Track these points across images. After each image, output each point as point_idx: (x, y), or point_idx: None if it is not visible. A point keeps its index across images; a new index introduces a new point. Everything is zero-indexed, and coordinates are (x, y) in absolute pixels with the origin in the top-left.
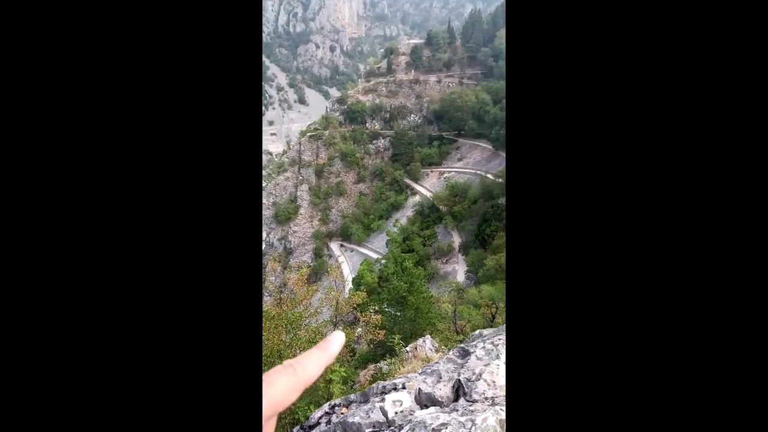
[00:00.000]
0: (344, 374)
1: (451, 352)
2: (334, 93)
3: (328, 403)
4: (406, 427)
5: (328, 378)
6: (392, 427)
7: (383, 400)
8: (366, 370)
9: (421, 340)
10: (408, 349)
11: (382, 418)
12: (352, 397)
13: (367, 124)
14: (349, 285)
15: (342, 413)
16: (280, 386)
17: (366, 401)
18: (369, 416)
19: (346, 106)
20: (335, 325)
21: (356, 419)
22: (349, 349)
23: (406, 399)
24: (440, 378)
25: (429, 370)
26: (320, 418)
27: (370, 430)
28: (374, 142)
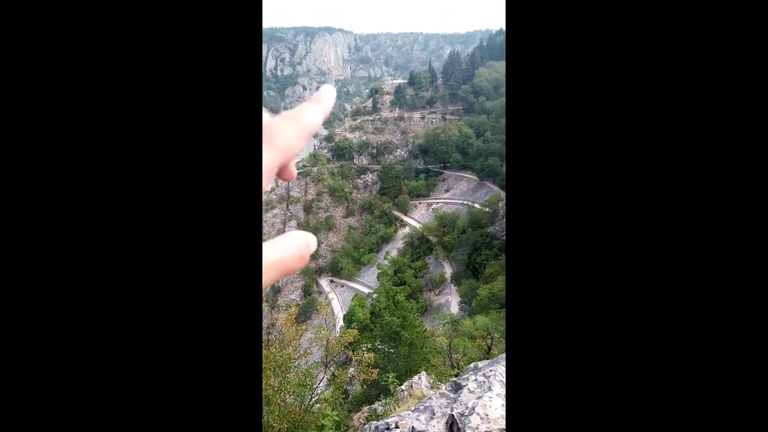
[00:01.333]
0: (337, 418)
1: (444, 387)
2: (322, 131)
3: None
4: None
5: (320, 424)
6: None
7: None
8: (360, 413)
9: (416, 377)
10: (403, 387)
11: None
12: None
13: (355, 160)
14: (340, 322)
15: None
16: (287, 133)
17: None
18: None
19: (333, 143)
20: (326, 366)
21: None
22: (341, 391)
23: None
24: (433, 414)
25: (422, 407)
26: None
27: None
28: (362, 176)
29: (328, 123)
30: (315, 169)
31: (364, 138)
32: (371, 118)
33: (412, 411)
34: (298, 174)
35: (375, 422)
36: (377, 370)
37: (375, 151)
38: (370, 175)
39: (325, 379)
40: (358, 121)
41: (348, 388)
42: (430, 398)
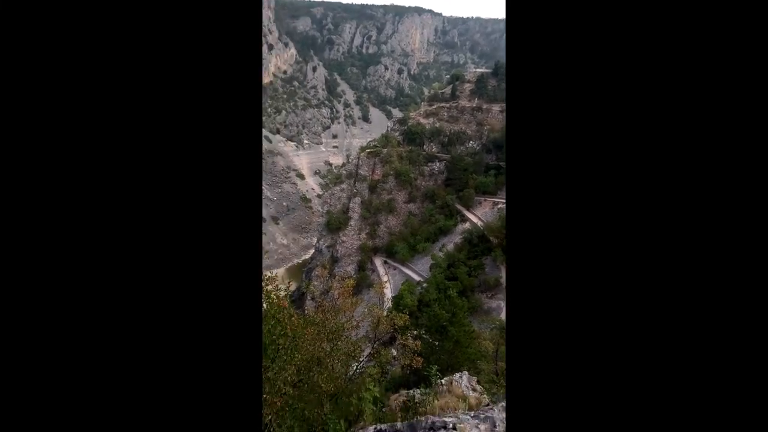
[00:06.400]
0: (377, 394)
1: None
2: (397, 113)
3: (374, 426)
4: None
5: (361, 395)
6: None
7: None
8: (397, 395)
9: (458, 375)
10: (443, 381)
11: None
12: (399, 425)
13: (425, 146)
14: (389, 304)
15: None
16: None
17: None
18: None
19: (406, 127)
20: (372, 343)
21: None
22: (383, 369)
23: None
24: (494, 427)
25: (482, 416)
26: None
27: None
28: (429, 164)
29: (403, 106)
30: (385, 150)
31: (438, 125)
32: (448, 105)
33: (472, 417)
34: (368, 153)
35: (432, 417)
36: (421, 359)
37: (446, 139)
38: (438, 164)
39: (368, 355)
40: (434, 107)
41: (388, 368)
42: (491, 409)
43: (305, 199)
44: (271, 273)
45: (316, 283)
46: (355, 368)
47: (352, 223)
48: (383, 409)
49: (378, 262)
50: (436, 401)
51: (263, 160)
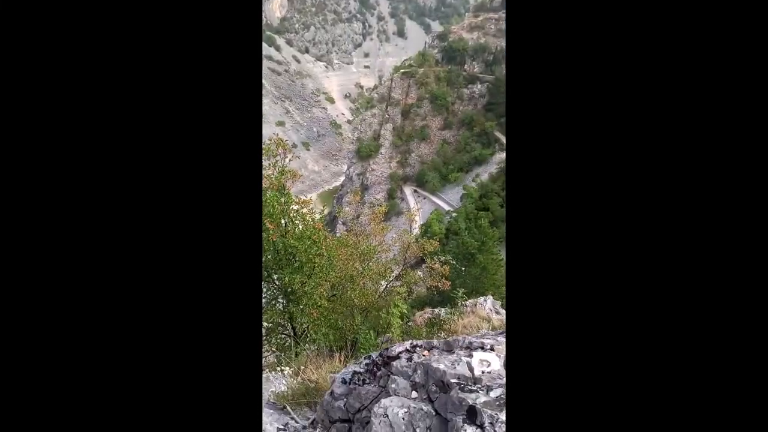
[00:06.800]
0: (404, 311)
1: None
2: (436, 27)
3: (409, 341)
4: (498, 391)
5: (390, 311)
6: (479, 385)
7: (470, 355)
8: (423, 312)
9: (482, 298)
10: (468, 303)
11: (467, 373)
12: (435, 342)
13: (466, 66)
14: (416, 231)
15: (424, 355)
16: None
17: (450, 351)
18: (455, 368)
19: (446, 43)
20: (402, 266)
21: (441, 366)
22: (409, 289)
23: (495, 361)
24: None
25: None
26: (400, 353)
27: (455, 381)
28: (470, 86)
29: (444, 18)
30: (421, 70)
31: (483, 41)
32: (496, 16)
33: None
34: (402, 73)
35: (468, 337)
36: (449, 282)
37: (491, 58)
38: (479, 87)
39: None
40: (481, 18)
41: (414, 288)
42: None
43: (335, 125)
44: (305, 197)
45: (347, 209)
46: (384, 286)
47: (382, 150)
48: (409, 323)
49: (408, 191)
50: (460, 320)
51: (293, 83)
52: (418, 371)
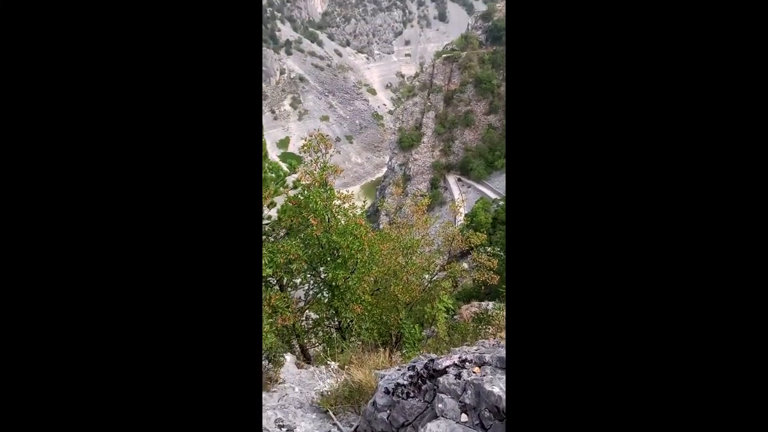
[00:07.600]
0: (450, 305)
1: None
2: (480, 7)
3: (458, 355)
4: None
5: (436, 306)
6: None
7: None
8: (469, 305)
9: None
10: None
11: None
12: (487, 357)
13: None
14: (461, 222)
15: (474, 372)
16: None
17: (503, 368)
18: None
19: (490, 23)
20: (447, 258)
21: (495, 390)
22: (453, 282)
23: None
24: None
25: None
26: (447, 367)
27: None
28: None
29: None
30: (464, 54)
31: None
32: None
33: None
34: (445, 58)
35: None
36: (498, 276)
37: None
38: None
39: (441, 267)
40: None
41: (459, 280)
42: None
43: (377, 116)
44: (347, 191)
45: (389, 200)
46: (428, 279)
47: (425, 139)
48: (455, 317)
49: (451, 180)
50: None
51: (335, 77)
52: (468, 391)
